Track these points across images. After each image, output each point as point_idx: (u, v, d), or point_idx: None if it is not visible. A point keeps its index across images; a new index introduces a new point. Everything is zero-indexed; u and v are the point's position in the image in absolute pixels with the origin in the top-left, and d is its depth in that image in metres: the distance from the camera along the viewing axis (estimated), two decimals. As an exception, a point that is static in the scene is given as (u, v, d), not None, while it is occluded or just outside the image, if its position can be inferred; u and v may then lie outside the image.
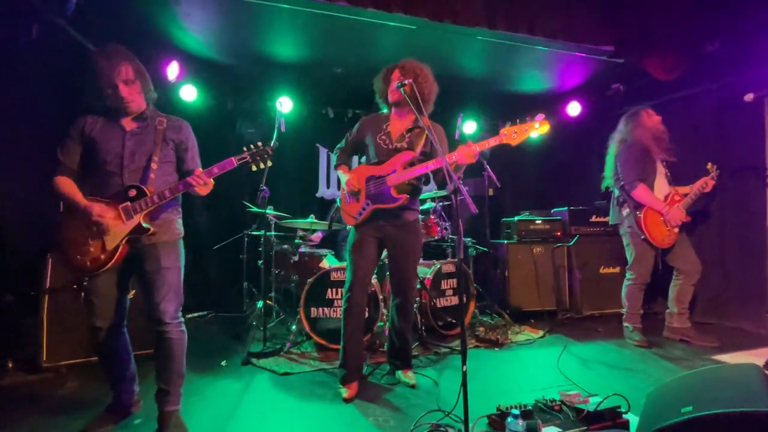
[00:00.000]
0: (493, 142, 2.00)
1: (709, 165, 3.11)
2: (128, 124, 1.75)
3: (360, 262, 2.22)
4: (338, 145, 2.44)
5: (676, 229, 2.98)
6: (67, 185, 1.70)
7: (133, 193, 1.68)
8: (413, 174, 2.13)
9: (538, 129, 1.97)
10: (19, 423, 1.85)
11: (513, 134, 1.98)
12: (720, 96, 3.60)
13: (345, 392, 2.14)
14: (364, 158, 2.40)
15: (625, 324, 3.10)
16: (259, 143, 1.79)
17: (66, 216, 1.70)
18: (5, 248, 2.56)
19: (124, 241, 1.68)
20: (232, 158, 1.75)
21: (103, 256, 1.66)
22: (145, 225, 1.69)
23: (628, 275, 3.12)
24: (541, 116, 1.96)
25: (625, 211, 3.08)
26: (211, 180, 1.74)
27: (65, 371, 2.45)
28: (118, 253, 1.67)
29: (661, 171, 3.06)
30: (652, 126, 3.03)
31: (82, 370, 2.46)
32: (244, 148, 1.78)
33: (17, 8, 2.52)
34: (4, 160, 2.56)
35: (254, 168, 1.81)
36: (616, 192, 3.17)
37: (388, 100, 2.29)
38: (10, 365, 2.39)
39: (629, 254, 3.11)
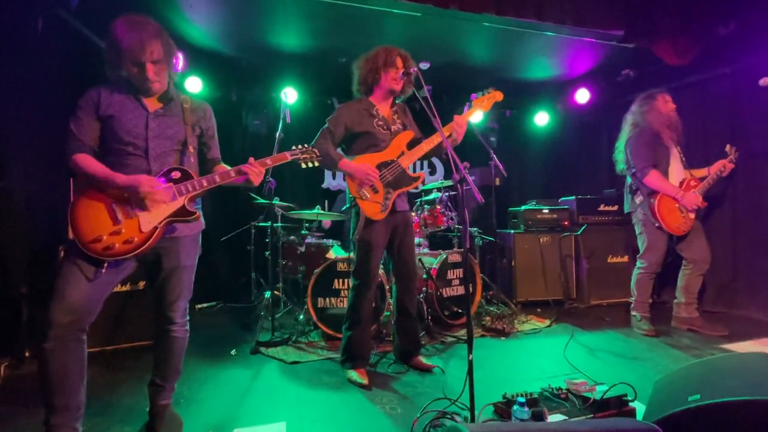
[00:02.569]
0: (471, 112, 2.29)
1: (728, 147, 3.04)
2: (151, 104, 1.60)
3: (376, 261, 2.22)
4: (318, 143, 2.14)
5: (692, 216, 2.93)
6: (91, 162, 1.50)
7: (177, 175, 1.56)
8: (422, 152, 2.19)
9: (495, 98, 2.38)
10: (34, 410, 1.90)
11: (483, 102, 2.34)
12: (734, 81, 3.51)
13: (363, 378, 2.17)
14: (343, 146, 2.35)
15: (633, 313, 3.08)
16: (306, 145, 1.86)
17: (89, 193, 1.50)
18: (18, 241, 2.61)
19: (162, 224, 1.52)
20: (286, 153, 1.78)
21: (136, 238, 1.48)
22: (189, 209, 1.56)
23: (639, 264, 3.09)
24: (492, 88, 2.38)
25: (638, 199, 3.03)
26: (263, 170, 1.68)
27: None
28: (154, 237, 1.50)
29: (675, 156, 3.00)
30: (666, 112, 2.97)
31: (92, 359, 2.52)
32: (293, 147, 1.83)
33: (22, 1, 2.52)
34: (12, 154, 2.59)
35: (303, 165, 1.85)
36: (629, 179, 3.12)
37: (379, 81, 2.21)
38: (27, 354, 2.46)
39: (641, 243, 3.07)
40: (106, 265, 1.48)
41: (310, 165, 1.88)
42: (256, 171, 1.66)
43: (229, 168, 1.69)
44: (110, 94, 1.56)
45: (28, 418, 1.84)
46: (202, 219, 1.73)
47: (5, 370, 2.29)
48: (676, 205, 2.91)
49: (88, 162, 1.51)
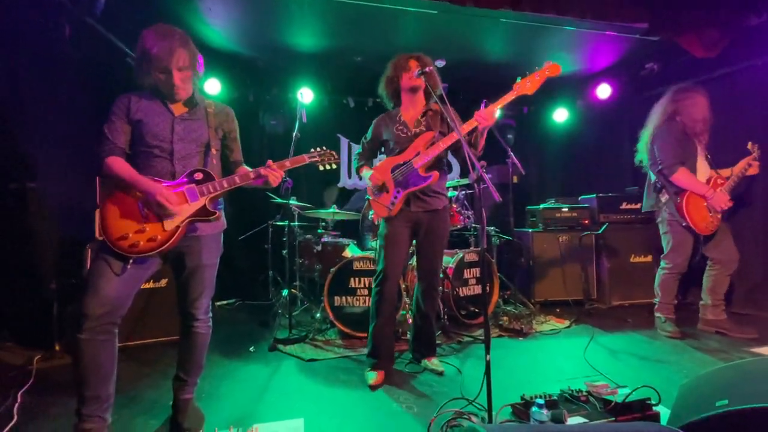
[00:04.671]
0: (509, 96, 2.06)
1: (750, 144, 2.92)
2: (177, 108, 1.67)
3: (393, 255, 2.24)
4: (357, 151, 2.51)
5: (720, 215, 2.83)
6: (122, 165, 1.58)
7: (199, 176, 1.63)
8: (437, 150, 2.16)
9: (549, 73, 2.05)
10: (65, 400, 1.98)
11: (526, 84, 2.04)
12: (766, 73, 3.35)
13: (372, 379, 2.18)
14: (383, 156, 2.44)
15: (657, 314, 2.99)
16: (324, 147, 1.89)
17: (116, 193, 1.58)
18: (49, 240, 2.71)
19: (184, 223, 1.59)
20: (305, 155, 1.82)
21: (160, 236, 1.55)
22: (209, 208, 1.63)
23: (663, 264, 2.99)
24: (549, 63, 2.03)
25: (664, 198, 2.93)
26: (282, 172, 1.73)
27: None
28: (176, 235, 1.57)
29: (701, 153, 2.89)
30: (702, 107, 2.86)
31: (119, 353, 2.61)
32: (312, 150, 1.86)
33: (50, 10, 2.62)
34: (43, 157, 2.69)
35: (321, 168, 1.89)
36: (652, 177, 3.02)
37: (399, 88, 2.29)
38: (57, 348, 2.56)
39: (666, 242, 2.98)
40: (131, 261, 1.55)
41: (328, 167, 1.90)
42: (274, 173, 1.71)
43: (250, 170, 1.74)
44: (139, 100, 1.64)
45: (60, 408, 1.92)
46: (223, 219, 1.78)
47: (37, 362, 2.39)
48: (704, 203, 2.81)
49: (119, 164, 1.59)
